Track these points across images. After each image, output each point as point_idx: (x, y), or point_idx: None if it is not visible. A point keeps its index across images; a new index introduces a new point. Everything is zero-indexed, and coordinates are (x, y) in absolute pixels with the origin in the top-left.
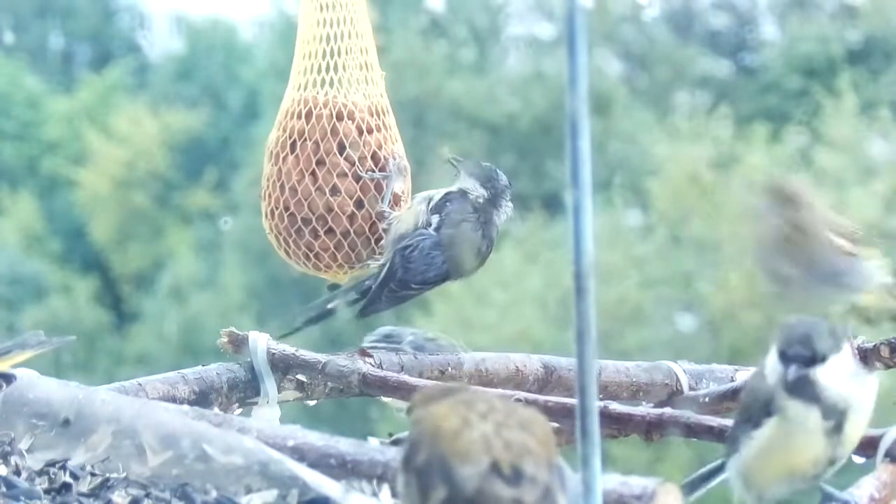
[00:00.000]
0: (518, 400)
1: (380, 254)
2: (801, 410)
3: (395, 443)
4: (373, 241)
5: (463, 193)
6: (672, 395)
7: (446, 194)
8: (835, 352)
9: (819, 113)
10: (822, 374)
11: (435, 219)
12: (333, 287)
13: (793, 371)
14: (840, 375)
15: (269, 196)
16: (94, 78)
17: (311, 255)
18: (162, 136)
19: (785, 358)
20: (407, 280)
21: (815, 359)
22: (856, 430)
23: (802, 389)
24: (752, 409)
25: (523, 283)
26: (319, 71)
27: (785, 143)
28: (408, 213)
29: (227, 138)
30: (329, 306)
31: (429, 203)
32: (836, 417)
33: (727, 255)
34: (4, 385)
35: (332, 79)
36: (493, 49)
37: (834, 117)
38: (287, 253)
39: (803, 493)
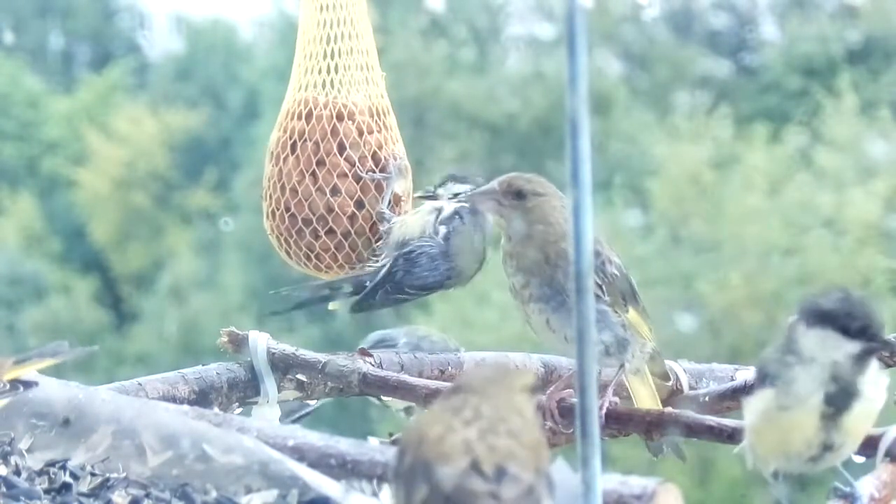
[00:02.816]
0: None
1: (377, 255)
2: (807, 389)
3: (395, 443)
4: (373, 242)
5: (474, 210)
6: (672, 395)
7: (457, 209)
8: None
9: (819, 113)
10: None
11: (442, 230)
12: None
13: (872, 348)
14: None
15: (270, 197)
16: (94, 78)
17: (311, 256)
18: (162, 136)
19: (856, 334)
20: (404, 284)
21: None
22: (858, 421)
23: (859, 369)
24: (761, 376)
25: None
26: (320, 72)
27: (785, 143)
28: (414, 219)
29: (227, 138)
30: (322, 293)
31: (438, 214)
32: (839, 404)
33: (727, 255)
34: (22, 389)
35: (332, 80)
36: (493, 49)
37: (834, 117)
38: (288, 254)
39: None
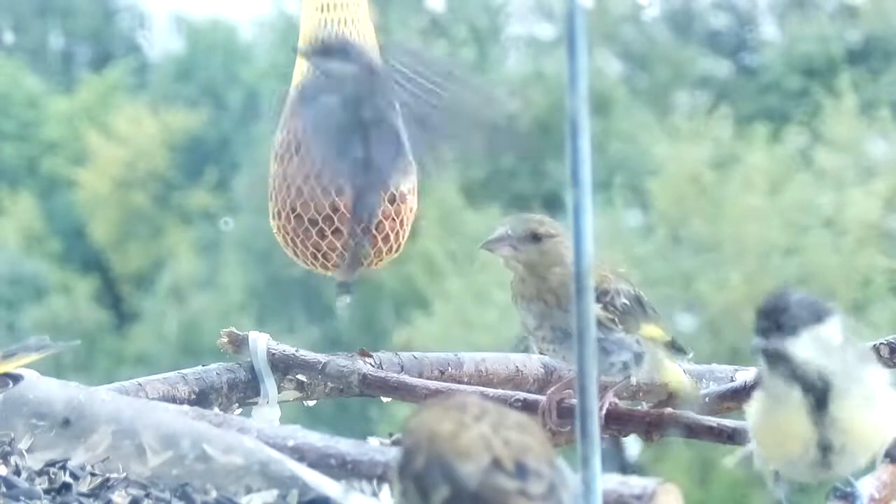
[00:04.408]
0: (518, 400)
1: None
2: (781, 386)
3: (396, 443)
4: (379, 240)
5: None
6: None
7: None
8: (810, 324)
9: (819, 113)
10: (794, 347)
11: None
12: (343, 286)
13: (756, 343)
14: (819, 349)
15: (276, 197)
16: (94, 78)
17: (318, 256)
18: (162, 136)
19: (755, 329)
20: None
21: (781, 330)
22: (851, 415)
23: (775, 363)
24: (758, 377)
25: None
26: None
27: (785, 143)
28: None
29: (227, 138)
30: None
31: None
32: (815, 394)
33: (727, 255)
34: (11, 384)
35: None
36: (493, 49)
37: (834, 117)
38: (295, 253)
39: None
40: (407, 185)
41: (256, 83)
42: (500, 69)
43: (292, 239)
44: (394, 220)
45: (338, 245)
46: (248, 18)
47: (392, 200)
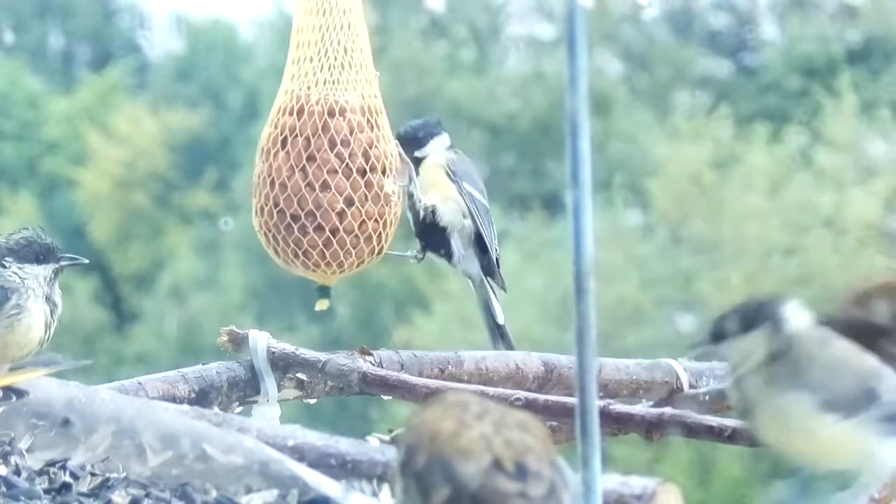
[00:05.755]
0: (518, 399)
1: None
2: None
3: (395, 439)
4: (362, 241)
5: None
6: (672, 394)
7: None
8: (735, 334)
9: (819, 113)
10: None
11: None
12: (322, 289)
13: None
14: (739, 358)
15: (260, 193)
16: (94, 78)
17: (299, 253)
18: (162, 136)
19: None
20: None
21: (712, 336)
22: (772, 432)
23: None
24: None
25: (523, 282)
26: (313, 69)
27: (785, 143)
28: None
29: (227, 138)
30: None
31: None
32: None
33: (727, 255)
34: (14, 398)
35: (325, 77)
36: (493, 49)
37: (834, 117)
38: (276, 251)
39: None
40: (392, 187)
41: (256, 83)
42: (500, 69)
43: (274, 236)
44: (377, 221)
45: (319, 243)
46: (248, 18)
47: (377, 202)
